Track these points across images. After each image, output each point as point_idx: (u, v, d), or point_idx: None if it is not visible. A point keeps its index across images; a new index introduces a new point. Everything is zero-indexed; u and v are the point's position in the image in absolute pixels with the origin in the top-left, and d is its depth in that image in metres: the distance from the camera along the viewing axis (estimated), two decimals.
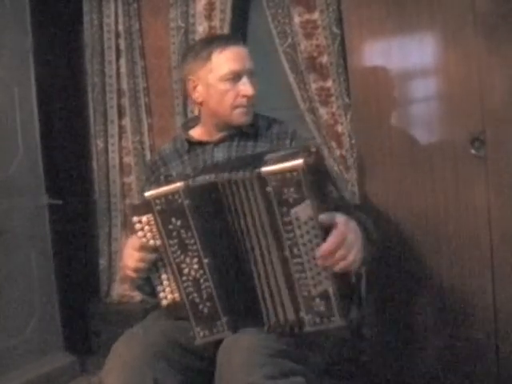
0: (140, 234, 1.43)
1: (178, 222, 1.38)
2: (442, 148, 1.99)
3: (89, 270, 3.26)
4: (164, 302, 1.45)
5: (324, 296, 1.29)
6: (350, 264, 1.27)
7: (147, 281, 1.52)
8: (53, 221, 2.91)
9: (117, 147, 3.13)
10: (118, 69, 3.08)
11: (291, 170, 1.25)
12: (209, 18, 2.71)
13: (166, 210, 1.38)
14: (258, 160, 1.34)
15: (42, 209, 2.85)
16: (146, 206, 1.40)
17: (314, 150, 1.31)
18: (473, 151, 1.91)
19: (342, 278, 1.29)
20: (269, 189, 1.28)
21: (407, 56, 2.04)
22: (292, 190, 1.25)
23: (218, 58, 1.64)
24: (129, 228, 1.58)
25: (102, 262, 3.20)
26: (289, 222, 1.27)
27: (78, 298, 3.16)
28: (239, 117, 1.68)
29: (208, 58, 1.65)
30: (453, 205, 1.96)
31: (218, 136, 1.73)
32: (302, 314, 1.32)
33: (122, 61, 3.06)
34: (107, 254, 3.19)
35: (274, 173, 1.27)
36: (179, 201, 1.37)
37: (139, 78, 3.04)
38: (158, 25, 2.98)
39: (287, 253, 1.30)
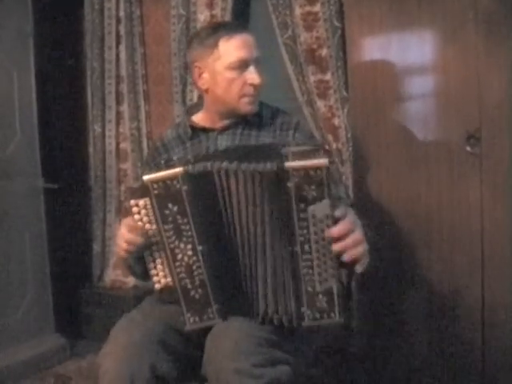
0: (136, 217, 1.42)
1: (175, 208, 1.38)
2: (437, 144, 1.99)
3: (82, 254, 3.27)
4: (157, 286, 1.45)
5: (328, 293, 1.32)
6: (360, 254, 1.30)
7: (139, 262, 1.52)
8: (48, 204, 2.91)
9: (114, 133, 3.14)
10: (117, 55, 3.08)
11: (316, 167, 1.25)
12: (210, 6, 2.70)
13: (164, 195, 1.38)
14: (275, 152, 1.33)
15: (37, 192, 2.85)
16: (143, 190, 1.39)
17: (328, 148, 1.33)
18: (468, 148, 1.91)
19: (347, 276, 1.33)
20: (290, 184, 1.28)
21: (406, 52, 2.04)
22: (313, 187, 1.26)
23: (226, 46, 1.62)
24: (127, 211, 1.58)
25: (96, 247, 3.22)
26: (305, 218, 1.28)
27: (71, 281, 3.17)
28: (245, 105, 1.67)
29: (215, 45, 1.63)
30: (446, 201, 1.97)
31: (221, 123, 1.71)
32: (304, 308, 1.34)
33: (122, 47, 3.06)
34: (101, 239, 3.20)
35: (298, 169, 1.27)
36: (177, 186, 1.37)
37: (138, 65, 3.04)
38: (158, 12, 2.98)
39: (298, 248, 1.31)
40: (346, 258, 1.29)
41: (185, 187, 1.37)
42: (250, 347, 1.31)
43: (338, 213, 1.28)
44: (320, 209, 1.27)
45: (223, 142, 1.69)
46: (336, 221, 1.28)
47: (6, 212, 2.68)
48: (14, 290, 2.70)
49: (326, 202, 1.26)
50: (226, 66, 1.63)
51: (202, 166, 1.37)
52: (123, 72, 3.07)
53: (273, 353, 1.35)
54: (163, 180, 1.37)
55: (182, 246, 1.40)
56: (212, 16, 2.71)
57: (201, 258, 1.39)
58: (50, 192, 2.93)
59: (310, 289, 1.32)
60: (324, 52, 2.44)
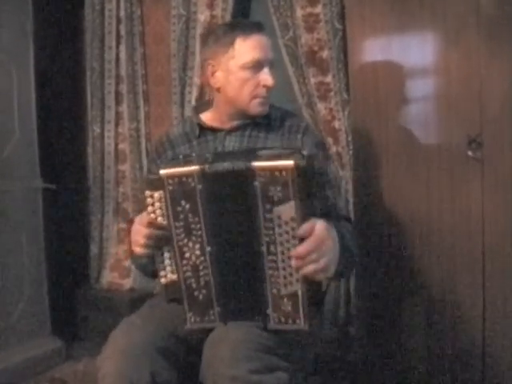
0: (150, 208, 1.42)
1: (187, 206, 1.37)
2: (438, 148, 1.98)
3: (79, 255, 3.26)
4: (163, 281, 1.44)
5: (292, 297, 1.32)
6: (320, 269, 1.29)
7: (151, 260, 1.51)
8: (46, 205, 2.89)
9: (113, 133, 3.13)
10: (117, 55, 3.07)
11: (281, 169, 1.27)
12: (210, 6, 2.69)
13: (178, 191, 1.37)
14: (254, 154, 1.35)
15: (35, 192, 2.83)
16: (159, 183, 1.39)
17: (305, 153, 1.33)
18: (470, 153, 1.90)
19: (312, 285, 1.31)
20: (256, 183, 1.29)
21: (408, 54, 2.03)
22: (278, 188, 1.27)
23: (242, 45, 1.60)
24: (140, 202, 1.57)
25: (93, 248, 3.21)
26: (270, 219, 1.29)
27: (68, 283, 3.16)
28: (257, 107, 1.65)
29: (231, 43, 1.61)
30: (447, 205, 1.96)
31: (230, 124, 1.70)
32: (269, 311, 1.35)
33: (122, 47, 3.05)
34: (98, 240, 3.19)
35: (264, 169, 1.28)
36: (192, 184, 1.36)
37: (138, 65, 3.03)
38: (159, 12, 2.97)
39: (264, 248, 1.32)
40: (303, 271, 1.29)
41: (199, 186, 1.36)
42: (247, 353, 1.30)
43: (302, 229, 1.27)
44: (285, 210, 1.28)
45: (231, 142, 1.68)
46: (302, 223, 1.28)
47: (4, 212, 2.66)
48: (10, 292, 2.68)
49: (291, 203, 1.27)
50: (241, 66, 1.61)
51: (220, 166, 1.36)
52: (123, 72, 3.06)
53: (271, 359, 1.33)
54: (179, 176, 1.37)
55: (190, 244, 1.39)
56: (212, 16, 2.70)
57: (208, 258, 1.39)
58: (48, 192, 2.91)
59: (274, 291, 1.33)
60: (325, 54, 2.43)
